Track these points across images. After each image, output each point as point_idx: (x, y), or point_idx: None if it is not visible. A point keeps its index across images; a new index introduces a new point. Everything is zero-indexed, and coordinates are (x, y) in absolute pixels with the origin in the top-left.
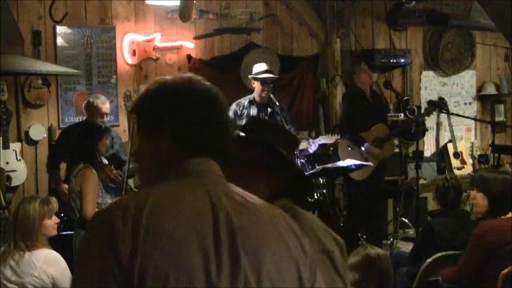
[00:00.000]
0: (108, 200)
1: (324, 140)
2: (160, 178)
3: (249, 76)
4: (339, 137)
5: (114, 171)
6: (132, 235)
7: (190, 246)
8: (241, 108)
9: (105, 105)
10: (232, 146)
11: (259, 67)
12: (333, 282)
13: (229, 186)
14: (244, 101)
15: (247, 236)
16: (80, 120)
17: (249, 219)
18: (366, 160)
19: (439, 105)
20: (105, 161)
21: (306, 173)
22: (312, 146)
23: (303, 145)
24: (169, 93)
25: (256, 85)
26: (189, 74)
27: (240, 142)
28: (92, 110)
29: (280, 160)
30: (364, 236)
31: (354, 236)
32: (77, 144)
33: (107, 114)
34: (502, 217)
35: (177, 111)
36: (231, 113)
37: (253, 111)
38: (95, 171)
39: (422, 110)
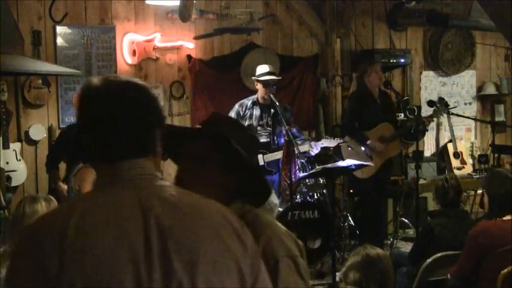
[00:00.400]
0: None
1: (326, 143)
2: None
3: (252, 78)
4: (341, 141)
5: None
6: (58, 251)
7: (118, 256)
8: (244, 109)
9: None
10: (190, 138)
11: (262, 69)
12: (298, 286)
13: (162, 187)
14: (248, 101)
15: (179, 238)
16: None
17: (182, 220)
18: (369, 158)
19: (447, 105)
20: None
21: (304, 173)
22: (314, 148)
23: (305, 147)
24: (84, 98)
25: (259, 87)
26: (107, 75)
27: (197, 135)
28: None
29: (236, 157)
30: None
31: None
32: (77, 144)
33: None
34: (498, 219)
35: (90, 116)
36: (233, 114)
37: (257, 112)
38: (94, 171)
39: (423, 111)
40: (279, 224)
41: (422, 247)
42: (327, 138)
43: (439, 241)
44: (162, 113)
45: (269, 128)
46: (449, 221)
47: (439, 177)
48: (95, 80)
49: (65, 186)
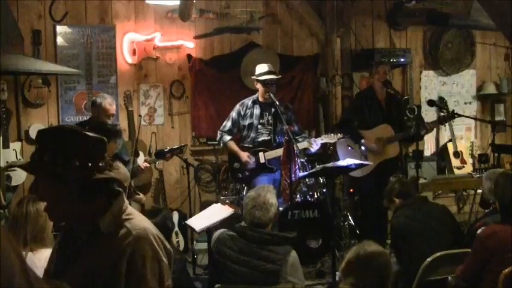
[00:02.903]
0: None
1: (326, 139)
2: None
3: (252, 77)
4: (341, 136)
5: None
6: None
7: None
8: (244, 109)
9: (112, 107)
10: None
11: (261, 68)
12: None
13: None
14: (248, 101)
15: None
16: (80, 119)
17: None
18: (367, 158)
19: (449, 110)
20: None
21: (304, 173)
22: (314, 145)
23: (305, 144)
24: None
25: (259, 86)
26: None
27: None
28: (99, 110)
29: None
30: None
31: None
32: None
33: (112, 115)
34: (505, 224)
35: None
36: (234, 113)
37: (257, 110)
38: None
39: (423, 110)
40: (153, 226)
41: (399, 246)
42: (327, 135)
43: (410, 233)
44: None
45: (270, 127)
46: (413, 211)
47: (439, 176)
48: None
49: None
